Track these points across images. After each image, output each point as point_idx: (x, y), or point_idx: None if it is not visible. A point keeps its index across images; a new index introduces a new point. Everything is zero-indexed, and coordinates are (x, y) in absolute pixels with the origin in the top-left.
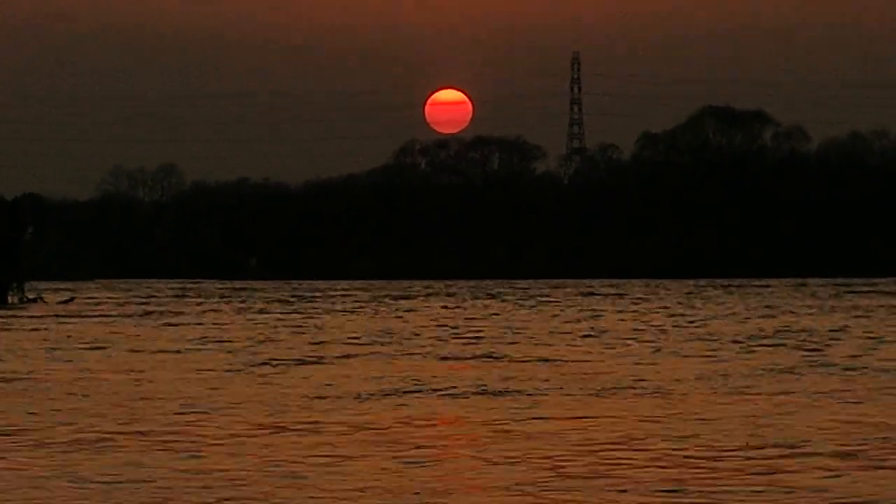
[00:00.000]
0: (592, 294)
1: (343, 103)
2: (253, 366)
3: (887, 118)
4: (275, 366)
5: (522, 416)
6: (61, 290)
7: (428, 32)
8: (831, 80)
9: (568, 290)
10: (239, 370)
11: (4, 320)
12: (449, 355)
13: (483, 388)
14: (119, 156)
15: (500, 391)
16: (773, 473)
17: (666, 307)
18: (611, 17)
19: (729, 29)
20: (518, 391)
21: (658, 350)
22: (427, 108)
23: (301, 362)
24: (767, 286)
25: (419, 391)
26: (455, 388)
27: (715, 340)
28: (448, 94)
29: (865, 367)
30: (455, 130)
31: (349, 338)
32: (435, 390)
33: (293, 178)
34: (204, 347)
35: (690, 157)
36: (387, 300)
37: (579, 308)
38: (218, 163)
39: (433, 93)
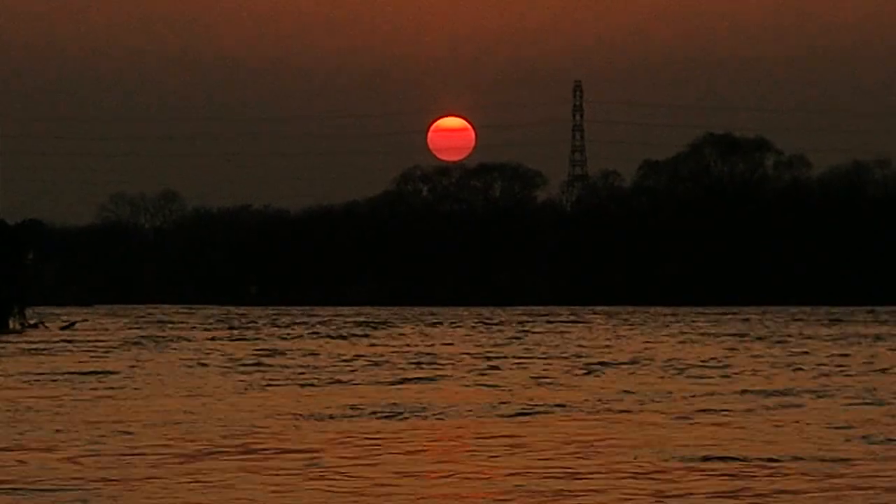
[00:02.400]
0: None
1: (345, 130)
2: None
3: (889, 147)
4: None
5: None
6: (62, 315)
7: (431, 60)
8: (833, 108)
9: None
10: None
11: (13, 345)
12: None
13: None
14: (120, 182)
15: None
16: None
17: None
18: (613, 44)
19: (731, 57)
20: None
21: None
22: (430, 135)
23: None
24: (765, 313)
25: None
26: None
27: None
28: (450, 122)
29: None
30: (458, 158)
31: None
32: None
33: (294, 205)
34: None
35: (692, 185)
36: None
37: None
38: (219, 189)
39: (436, 120)
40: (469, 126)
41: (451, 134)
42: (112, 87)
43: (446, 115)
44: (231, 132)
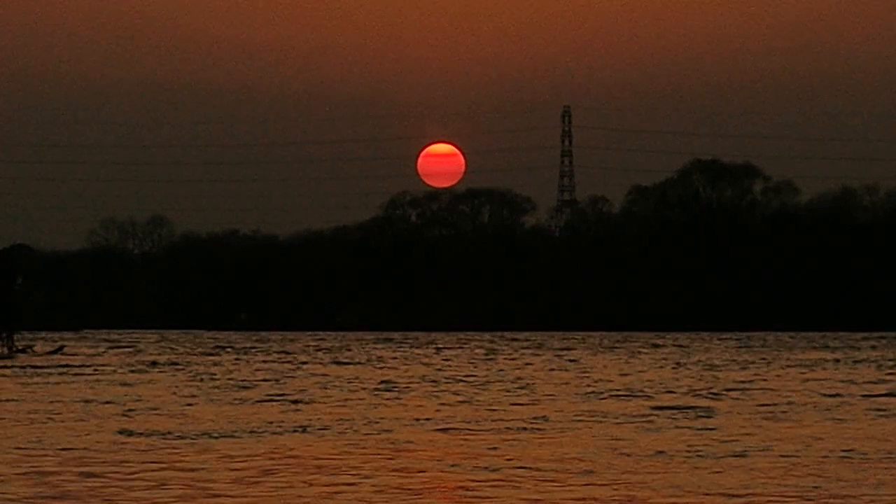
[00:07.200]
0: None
1: (335, 156)
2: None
3: (878, 173)
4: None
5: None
6: (51, 340)
7: (420, 86)
8: (821, 134)
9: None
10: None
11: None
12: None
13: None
14: (109, 207)
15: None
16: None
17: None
18: (601, 71)
19: (719, 83)
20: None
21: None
22: (419, 161)
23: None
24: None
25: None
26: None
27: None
28: (440, 148)
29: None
30: (447, 184)
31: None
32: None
33: (283, 230)
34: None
35: (680, 211)
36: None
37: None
38: (208, 214)
39: (425, 146)
40: (458, 152)
41: (441, 160)
42: (101, 113)
43: (436, 142)
44: (220, 158)
